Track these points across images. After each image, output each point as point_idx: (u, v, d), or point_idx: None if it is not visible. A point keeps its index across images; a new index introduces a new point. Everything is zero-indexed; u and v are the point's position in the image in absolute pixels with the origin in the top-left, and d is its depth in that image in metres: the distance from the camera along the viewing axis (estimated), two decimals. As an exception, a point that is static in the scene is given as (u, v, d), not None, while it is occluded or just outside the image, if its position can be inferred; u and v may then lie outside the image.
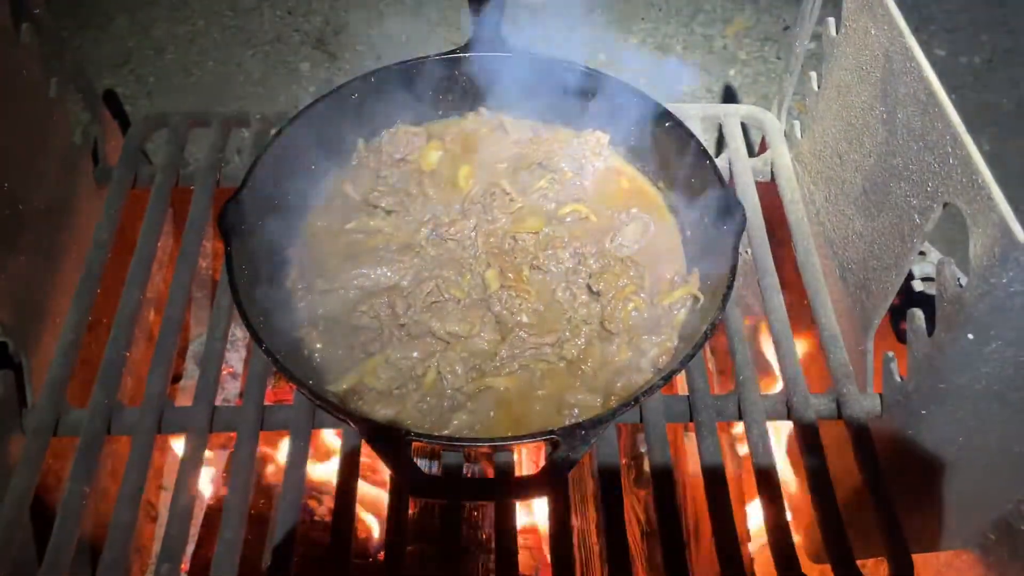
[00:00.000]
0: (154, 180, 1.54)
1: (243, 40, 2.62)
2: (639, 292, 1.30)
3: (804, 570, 1.15)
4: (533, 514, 1.63)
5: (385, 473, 1.65)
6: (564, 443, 1.02)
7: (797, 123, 1.59)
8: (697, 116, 1.65)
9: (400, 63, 1.44)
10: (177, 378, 1.83)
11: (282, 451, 1.66)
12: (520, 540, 1.16)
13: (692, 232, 1.37)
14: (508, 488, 1.12)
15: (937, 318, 1.07)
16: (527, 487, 1.04)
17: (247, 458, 1.23)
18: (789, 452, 1.52)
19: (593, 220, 1.40)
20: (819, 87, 1.48)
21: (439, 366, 1.21)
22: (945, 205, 1.08)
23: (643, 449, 1.65)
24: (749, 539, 1.59)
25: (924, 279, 1.47)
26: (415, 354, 1.22)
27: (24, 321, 1.29)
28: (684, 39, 2.61)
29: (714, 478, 1.21)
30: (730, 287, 1.17)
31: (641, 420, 1.27)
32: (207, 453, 1.26)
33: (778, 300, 1.38)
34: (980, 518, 1.22)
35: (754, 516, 1.61)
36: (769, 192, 1.58)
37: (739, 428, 1.60)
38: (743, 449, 1.69)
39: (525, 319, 1.27)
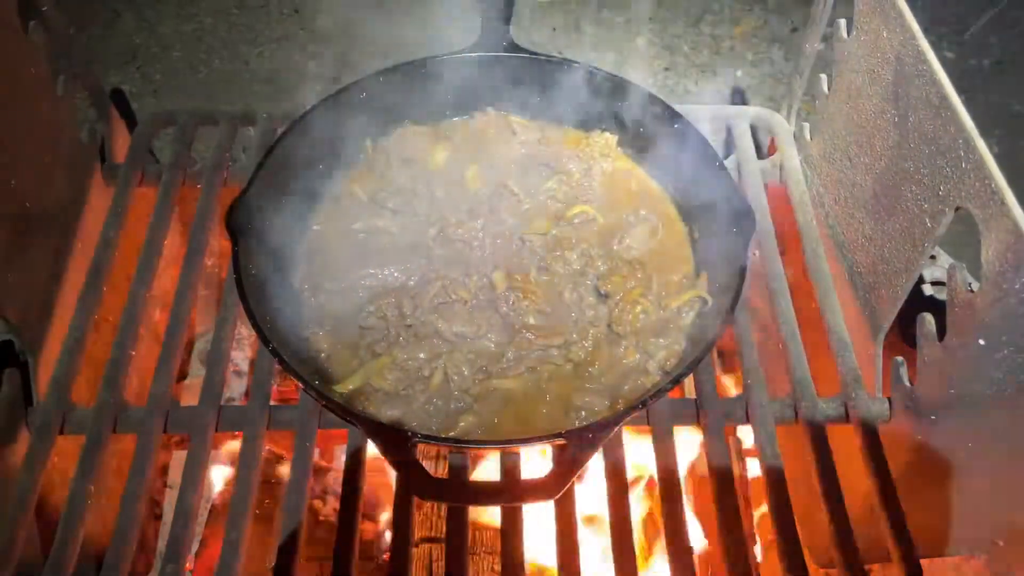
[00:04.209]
0: (161, 178, 1.54)
1: (250, 38, 2.62)
2: (647, 294, 1.29)
3: (812, 574, 1.14)
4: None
5: (391, 474, 1.64)
6: (571, 446, 1.02)
7: (807, 125, 1.58)
8: (706, 117, 1.64)
9: (408, 63, 1.44)
10: (182, 377, 1.83)
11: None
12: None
13: (700, 234, 1.36)
14: (514, 490, 1.11)
15: (948, 323, 1.07)
16: (533, 490, 1.04)
17: (252, 458, 1.23)
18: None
19: (601, 222, 1.40)
20: (829, 89, 1.47)
21: (446, 367, 1.21)
22: (957, 209, 1.07)
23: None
24: (756, 542, 1.58)
25: (935, 283, 1.47)
26: (422, 355, 1.22)
27: (30, 319, 1.29)
28: (692, 40, 2.60)
29: (721, 481, 1.20)
30: (739, 290, 1.17)
31: (648, 423, 1.26)
32: (212, 452, 1.26)
33: (787, 303, 1.38)
34: (989, 523, 1.21)
35: (762, 519, 1.61)
36: (778, 195, 1.57)
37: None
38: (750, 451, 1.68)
39: (532, 321, 1.27)
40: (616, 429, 1.20)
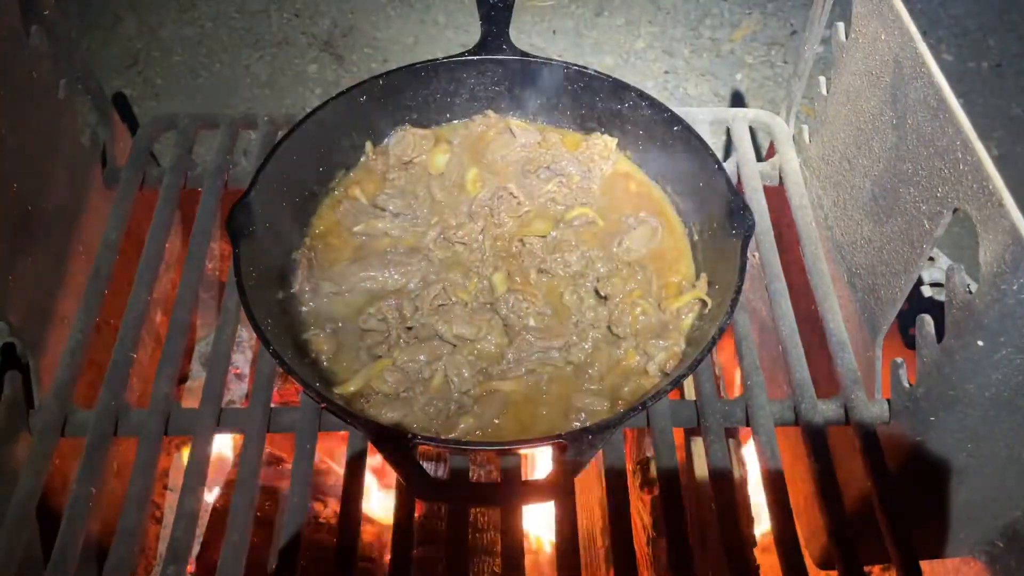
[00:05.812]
0: (162, 182, 1.55)
1: (251, 42, 2.62)
2: (646, 296, 1.30)
3: (811, 575, 1.14)
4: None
5: (392, 476, 1.65)
6: (571, 447, 1.02)
7: (805, 127, 1.58)
8: (705, 120, 1.64)
9: (408, 66, 1.44)
10: (184, 379, 1.83)
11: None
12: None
13: (700, 236, 1.37)
14: (514, 492, 1.12)
15: (946, 324, 1.07)
16: (533, 491, 1.04)
17: (253, 460, 1.23)
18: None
19: (600, 224, 1.40)
20: (828, 91, 1.48)
21: (446, 369, 1.21)
22: (955, 211, 1.08)
23: (649, 454, 1.65)
24: (756, 544, 1.59)
25: (933, 285, 1.47)
26: (422, 357, 1.22)
27: (32, 322, 1.30)
28: (691, 43, 2.60)
29: (721, 483, 1.21)
30: (738, 292, 1.17)
31: (648, 425, 1.26)
32: (212, 454, 1.26)
33: (786, 305, 1.38)
34: (988, 525, 1.21)
35: (761, 521, 1.61)
36: (777, 197, 1.57)
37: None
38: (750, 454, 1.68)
39: (532, 323, 1.27)
40: (616, 431, 1.21)
